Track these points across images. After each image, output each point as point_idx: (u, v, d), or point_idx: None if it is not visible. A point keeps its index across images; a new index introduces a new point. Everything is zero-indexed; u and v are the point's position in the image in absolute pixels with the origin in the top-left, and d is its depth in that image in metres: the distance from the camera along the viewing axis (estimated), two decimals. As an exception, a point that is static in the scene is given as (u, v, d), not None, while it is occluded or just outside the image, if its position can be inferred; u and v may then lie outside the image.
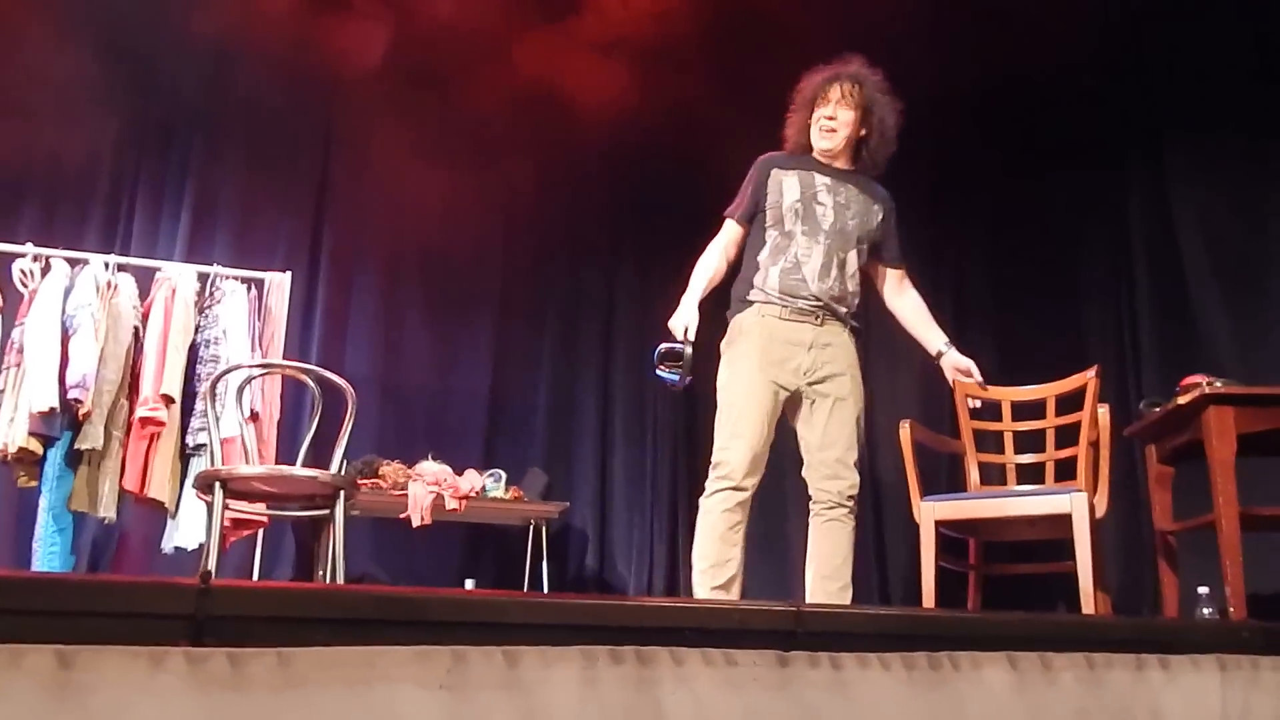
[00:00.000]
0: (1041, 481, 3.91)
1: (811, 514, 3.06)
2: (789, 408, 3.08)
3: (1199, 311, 4.63)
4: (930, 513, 3.55)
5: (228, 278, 4.89)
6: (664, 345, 3.00)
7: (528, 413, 5.66)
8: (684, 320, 3.03)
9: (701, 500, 3.02)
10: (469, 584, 4.62)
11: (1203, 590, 3.33)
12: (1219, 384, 3.32)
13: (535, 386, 5.71)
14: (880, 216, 3.21)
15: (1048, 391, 3.95)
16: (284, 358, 4.88)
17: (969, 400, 3.35)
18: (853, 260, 3.13)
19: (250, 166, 5.48)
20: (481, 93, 5.52)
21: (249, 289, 4.90)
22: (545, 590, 4.78)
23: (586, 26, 5.49)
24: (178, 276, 4.77)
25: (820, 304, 3.05)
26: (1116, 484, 4.59)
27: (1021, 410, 4.01)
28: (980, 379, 3.20)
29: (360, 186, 5.66)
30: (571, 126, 5.48)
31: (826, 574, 2.99)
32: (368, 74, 5.53)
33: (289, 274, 5.07)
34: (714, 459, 3.01)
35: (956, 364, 3.20)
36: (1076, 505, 3.36)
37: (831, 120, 3.10)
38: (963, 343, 5.31)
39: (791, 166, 3.17)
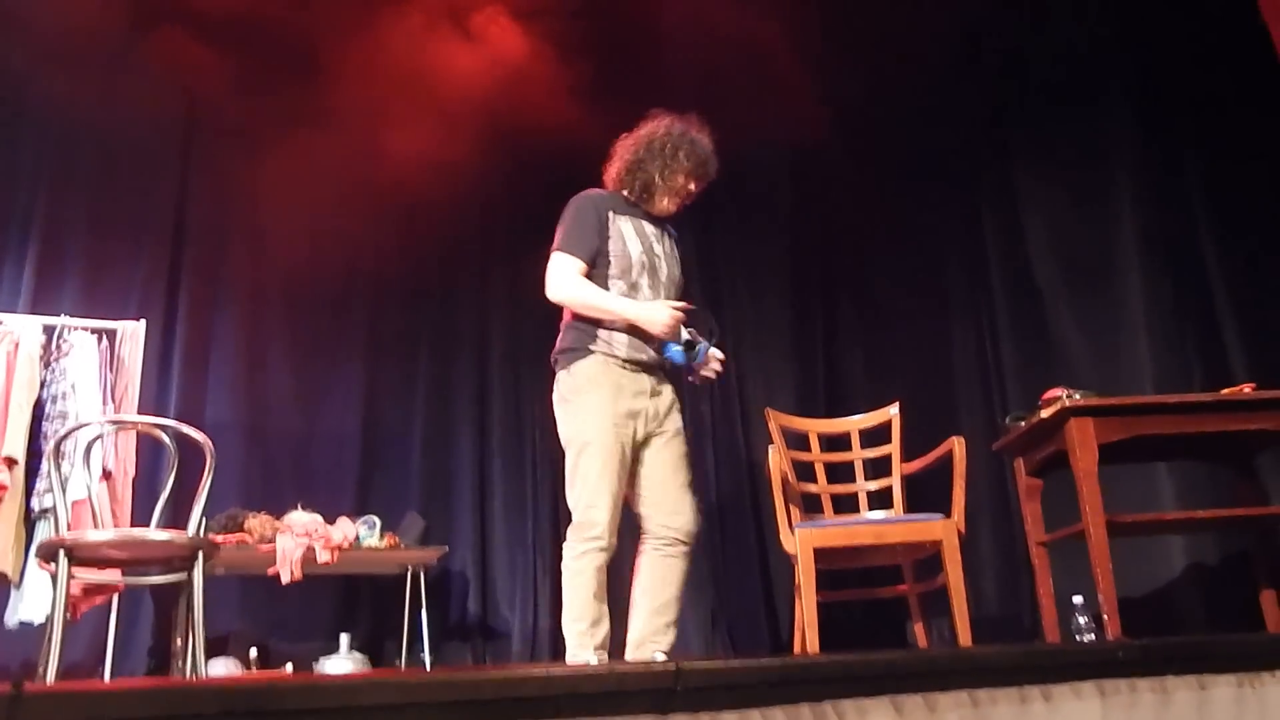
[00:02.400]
0: (856, 510, 3.98)
1: (647, 549, 3.00)
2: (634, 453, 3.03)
3: (1054, 324, 4.74)
4: (808, 539, 3.48)
5: (76, 329, 4.64)
6: (680, 340, 2.96)
7: (402, 452, 5.46)
8: (660, 310, 2.96)
9: (569, 560, 2.89)
10: (344, 639, 4.42)
11: (1077, 600, 3.40)
12: (1078, 396, 3.40)
13: (409, 424, 5.51)
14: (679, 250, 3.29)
15: (851, 425, 4.11)
16: (140, 409, 4.66)
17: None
18: None
19: (99, 211, 5.22)
20: (344, 123, 5.36)
21: (100, 340, 4.66)
22: (425, 640, 4.61)
23: (455, 53, 5.40)
24: (20, 330, 4.51)
25: (659, 360, 3.06)
26: (989, 498, 4.71)
27: (835, 442, 4.16)
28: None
29: (218, 226, 5.44)
30: (439, 159, 5.35)
31: (657, 608, 2.94)
32: (220, 109, 5.34)
33: (143, 322, 4.84)
34: (580, 518, 2.90)
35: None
36: (947, 531, 3.39)
37: (690, 197, 3.17)
38: (831, 363, 5.41)
39: (624, 212, 3.14)
